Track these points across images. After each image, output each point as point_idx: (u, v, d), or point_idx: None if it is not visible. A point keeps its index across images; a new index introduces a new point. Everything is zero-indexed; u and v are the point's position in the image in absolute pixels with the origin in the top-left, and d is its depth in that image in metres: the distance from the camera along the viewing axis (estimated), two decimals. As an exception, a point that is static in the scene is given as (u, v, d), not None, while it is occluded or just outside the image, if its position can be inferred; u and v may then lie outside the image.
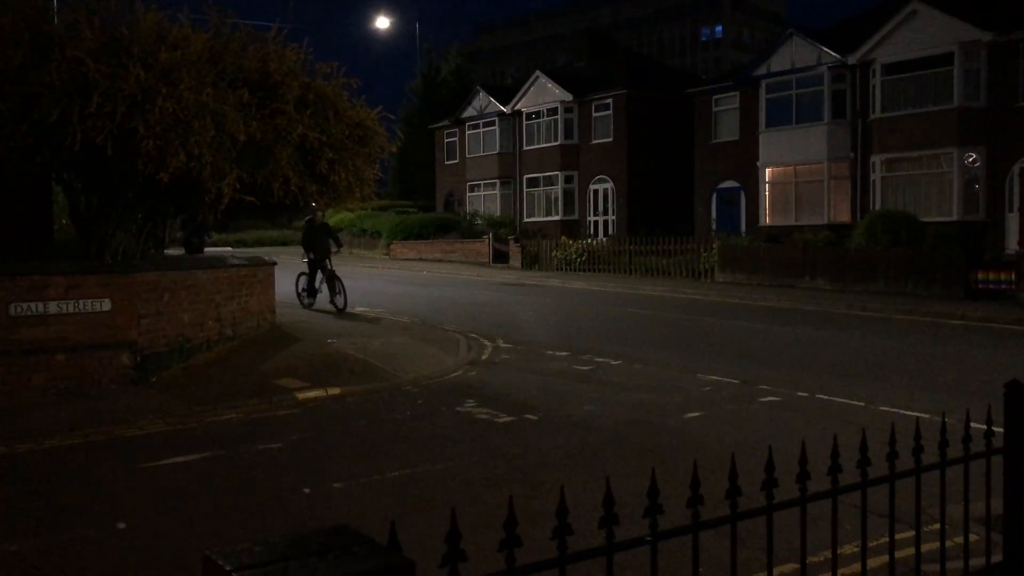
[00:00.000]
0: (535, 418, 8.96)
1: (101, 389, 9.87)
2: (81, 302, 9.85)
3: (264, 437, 8.30)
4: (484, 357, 12.96)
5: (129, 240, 11.83)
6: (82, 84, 9.57)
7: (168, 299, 11.10)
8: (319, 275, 18.26)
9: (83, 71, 9.56)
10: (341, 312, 17.51)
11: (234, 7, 12.11)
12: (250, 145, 10.81)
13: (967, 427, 3.63)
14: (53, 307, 9.62)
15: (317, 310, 17.93)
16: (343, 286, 17.87)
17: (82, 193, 11.89)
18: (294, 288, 18.81)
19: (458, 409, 9.46)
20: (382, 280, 27.84)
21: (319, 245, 18.15)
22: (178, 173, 10.01)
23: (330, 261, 18.30)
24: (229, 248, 36.88)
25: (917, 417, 3.99)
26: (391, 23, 46.81)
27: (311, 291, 18.42)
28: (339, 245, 19.06)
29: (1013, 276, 19.77)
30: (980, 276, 20.23)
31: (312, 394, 10.11)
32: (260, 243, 47.68)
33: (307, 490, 6.61)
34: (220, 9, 12.02)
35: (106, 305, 10.03)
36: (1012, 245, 23.82)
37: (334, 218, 44.09)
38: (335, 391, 10.30)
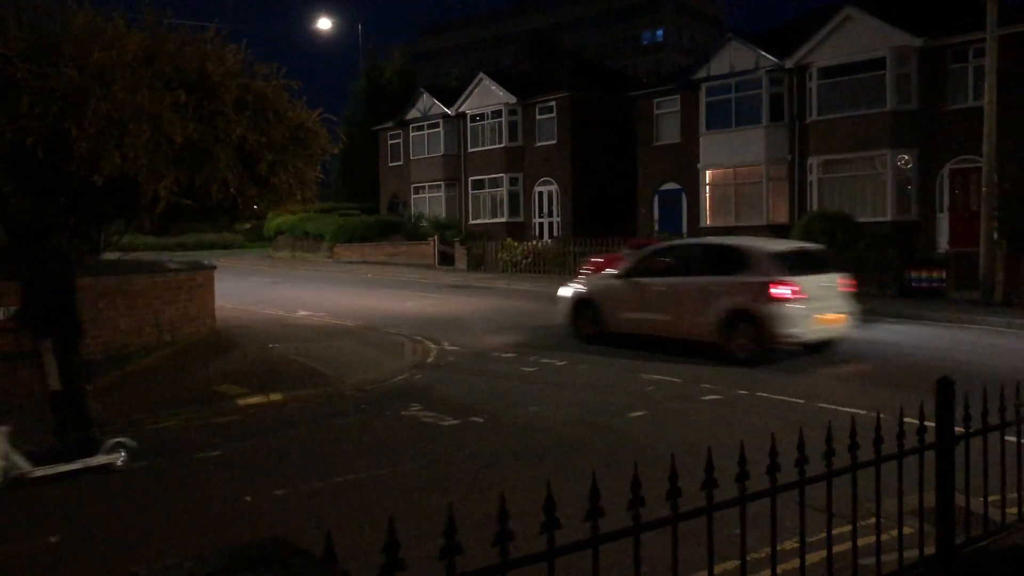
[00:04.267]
0: (481, 420, 8.94)
1: (35, 398, 9.55)
2: (11, 308, 9.52)
3: (205, 445, 8.14)
4: (430, 360, 12.89)
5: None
6: (10, 84, 9.27)
7: (104, 305, 10.83)
8: None
9: (11, 71, 9.27)
10: None
11: (172, 7, 11.87)
12: (187, 147, 10.58)
13: (900, 424, 3.71)
14: (-19, 314, 9.28)
15: (260, 314, 17.62)
16: None
17: (12, 196, 11.53)
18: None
19: (403, 413, 9.39)
20: (325, 283, 27.54)
21: None
22: (113, 176, 9.76)
23: None
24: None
25: (853, 414, 4.07)
26: (333, 24, 46.31)
27: None
28: None
29: (944, 275, 20.38)
30: (913, 275, 20.78)
31: (253, 400, 9.94)
32: (200, 247, 47.33)
33: (248, 498, 6.50)
34: (156, 9, 11.77)
35: (38, 312, 9.70)
36: (943, 244, 24.54)
37: (275, 221, 43.62)
38: (277, 397, 10.14)
